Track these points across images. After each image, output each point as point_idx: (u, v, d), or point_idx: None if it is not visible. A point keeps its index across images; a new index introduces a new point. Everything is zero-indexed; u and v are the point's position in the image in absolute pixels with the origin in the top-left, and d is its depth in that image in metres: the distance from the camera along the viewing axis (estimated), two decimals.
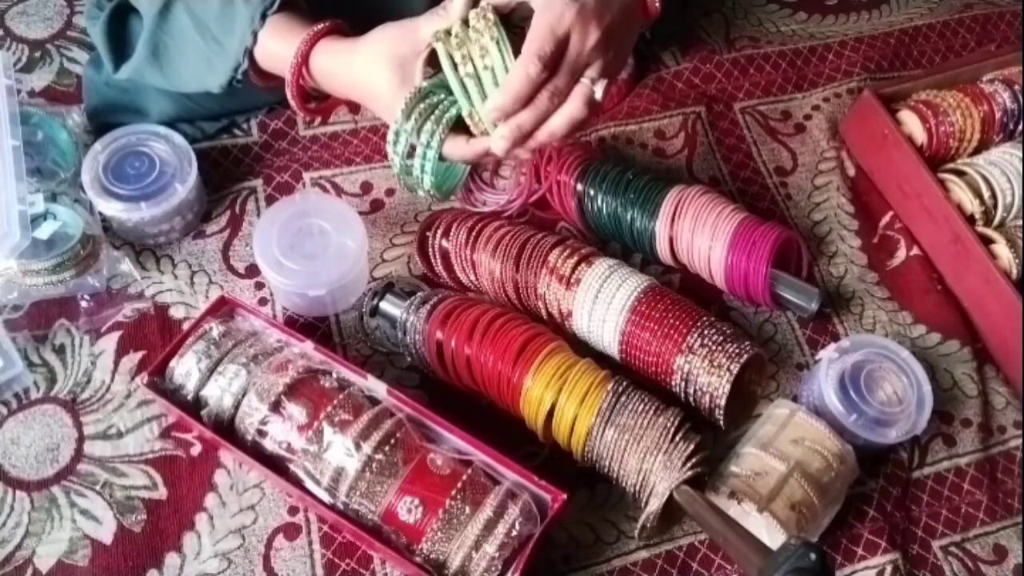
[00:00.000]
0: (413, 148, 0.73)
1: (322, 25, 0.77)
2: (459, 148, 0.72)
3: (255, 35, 0.79)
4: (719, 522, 0.70)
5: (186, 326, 0.85)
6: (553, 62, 0.66)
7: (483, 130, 0.71)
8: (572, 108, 0.68)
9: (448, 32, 0.68)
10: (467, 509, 0.71)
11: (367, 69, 0.73)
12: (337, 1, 0.83)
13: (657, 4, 0.72)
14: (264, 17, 0.78)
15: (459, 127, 0.72)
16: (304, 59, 0.77)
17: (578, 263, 0.86)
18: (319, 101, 0.84)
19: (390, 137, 0.73)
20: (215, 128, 0.99)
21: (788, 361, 0.92)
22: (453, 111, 0.71)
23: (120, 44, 0.91)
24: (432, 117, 0.71)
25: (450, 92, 0.70)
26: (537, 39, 0.65)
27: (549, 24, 0.65)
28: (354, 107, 1.03)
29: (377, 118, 1.02)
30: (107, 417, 0.82)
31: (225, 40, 0.81)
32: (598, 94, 0.69)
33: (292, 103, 0.80)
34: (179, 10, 0.83)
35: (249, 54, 0.80)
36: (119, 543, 0.77)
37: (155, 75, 0.88)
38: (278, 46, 0.78)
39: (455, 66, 0.68)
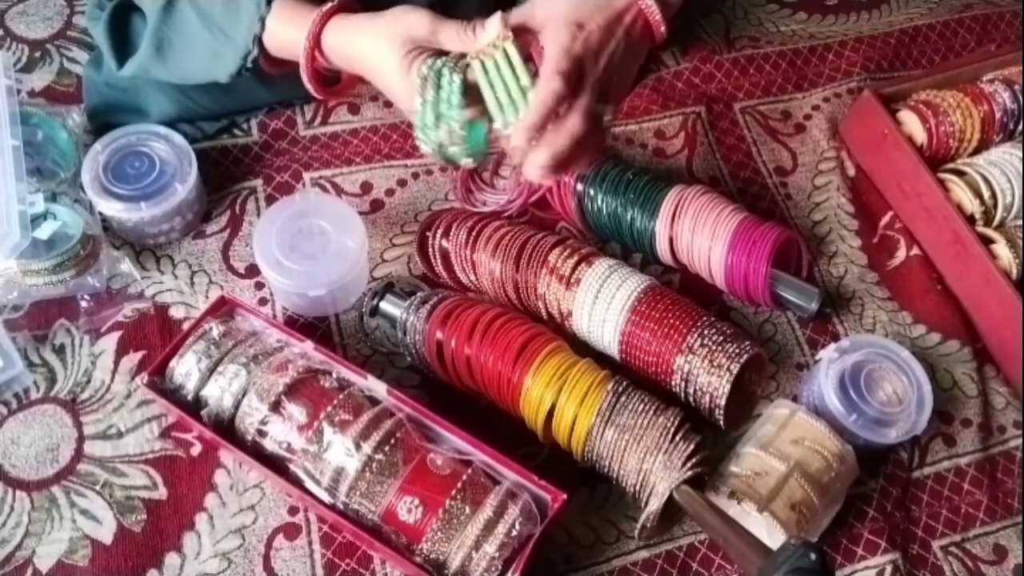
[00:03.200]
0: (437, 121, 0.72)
1: (331, 4, 0.77)
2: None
3: (263, 21, 0.79)
4: (719, 522, 0.70)
5: (186, 326, 0.85)
6: (572, 81, 0.68)
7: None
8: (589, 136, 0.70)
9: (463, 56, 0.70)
10: (467, 509, 0.71)
11: (377, 47, 0.73)
12: None
13: (663, 29, 0.74)
14: (270, 2, 0.78)
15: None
16: (316, 41, 0.77)
17: (578, 263, 0.86)
18: (334, 83, 0.83)
19: (416, 121, 0.72)
20: (215, 128, 0.99)
21: (788, 361, 0.92)
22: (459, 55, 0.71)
23: (123, 42, 0.91)
24: (445, 68, 0.70)
25: (448, 58, 0.71)
26: (553, 58, 0.67)
27: (562, 45, 0.68)
28: (354, 107, 1.03)
29: (377, 117, 1.02)
30: (107, 417, 0.82)
31: (231, 30, 0.81)
32: (607, 115, 0.71)
33: (308, 87, 0.80)
34: (183, 4, 0.83)
35: (258, 41, 0.80)
36: (119, 543, 0.77)
37: (160, 70, 0.88)
38: (286, 30, 0.78)
39: (491, 85, 0.69)
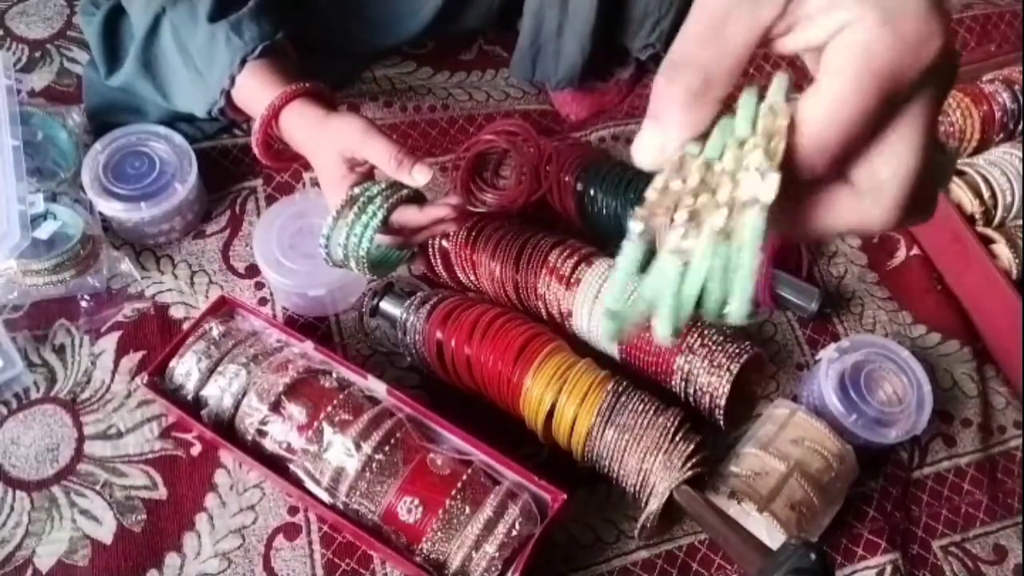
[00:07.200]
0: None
1: (298, 85, 0.77)
2: (411, 215, 0.76)
3: (233, 79, 0.80)
4: (719, 522, 0.70)
5: (186, 326, 0.85)
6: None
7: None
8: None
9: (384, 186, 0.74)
10: (467, 509, 0.71)
11: (320, 150, 0.76)
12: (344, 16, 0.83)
13: None
14: (244, 62, 0.79)
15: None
16: (275, 114, 0.77)
17: (578, 263, 0.86)
18: (283, 151, 0.85)
19: (324, 229, 0.74)
20: (215, 128, 0.99)
21: (788, 361, 0.92)
22: (404, 192, 0.75)
23: (114, 48, 0.91)
24: (379, 197, 0.74)
25: (384, 188, 0.74)
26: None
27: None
28: (353, 107, 1.03)
29: (377, 117, 1.02)
30: (107, 417, 0.82)
31: (206, 73, 0.82)
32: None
33: (256, 151, 0.81)
34: (166, 32, 0.83)
35: (225, 93, 0.81)
36: (119, 543, 0.77)
37: (147, 87, 0.89)
38: (255, 92, 0.79)
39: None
